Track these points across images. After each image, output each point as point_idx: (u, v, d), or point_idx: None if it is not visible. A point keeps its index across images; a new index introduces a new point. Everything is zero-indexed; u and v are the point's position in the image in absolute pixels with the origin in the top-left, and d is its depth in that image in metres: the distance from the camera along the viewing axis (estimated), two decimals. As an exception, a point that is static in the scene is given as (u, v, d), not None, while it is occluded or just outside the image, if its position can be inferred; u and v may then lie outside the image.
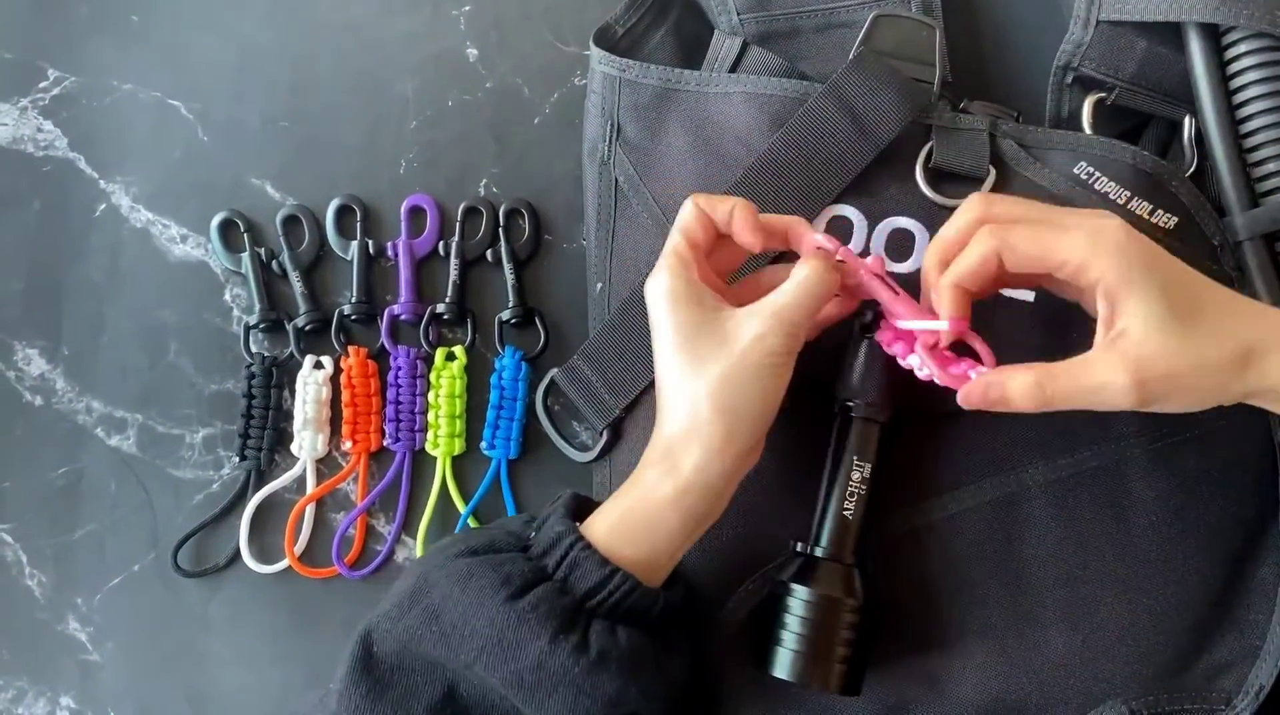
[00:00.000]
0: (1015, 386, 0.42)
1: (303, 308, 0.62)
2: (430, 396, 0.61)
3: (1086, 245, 0.41)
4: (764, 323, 0.44)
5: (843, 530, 0.48)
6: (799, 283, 0.45)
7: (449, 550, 0.45)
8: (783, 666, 0.46)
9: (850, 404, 0.49)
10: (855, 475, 0.48)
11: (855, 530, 0.48)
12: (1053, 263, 0.41)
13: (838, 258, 0.46)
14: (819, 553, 0.48)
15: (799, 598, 0.47)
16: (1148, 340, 0.40)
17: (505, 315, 0.61)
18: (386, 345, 0.62)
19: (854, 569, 0.48)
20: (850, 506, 0.48)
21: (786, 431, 0.51)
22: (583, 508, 0.47)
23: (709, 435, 0.44)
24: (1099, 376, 0.41)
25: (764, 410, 0.45)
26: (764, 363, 0.44)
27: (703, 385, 0.44)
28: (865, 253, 0.52)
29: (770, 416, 0.45)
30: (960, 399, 0.44)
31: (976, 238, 0.43)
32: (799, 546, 0.49)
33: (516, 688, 0.42)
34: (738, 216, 0.46)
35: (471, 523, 0.60)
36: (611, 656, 0.42)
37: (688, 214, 0.47)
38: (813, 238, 0.47)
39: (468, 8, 0.65)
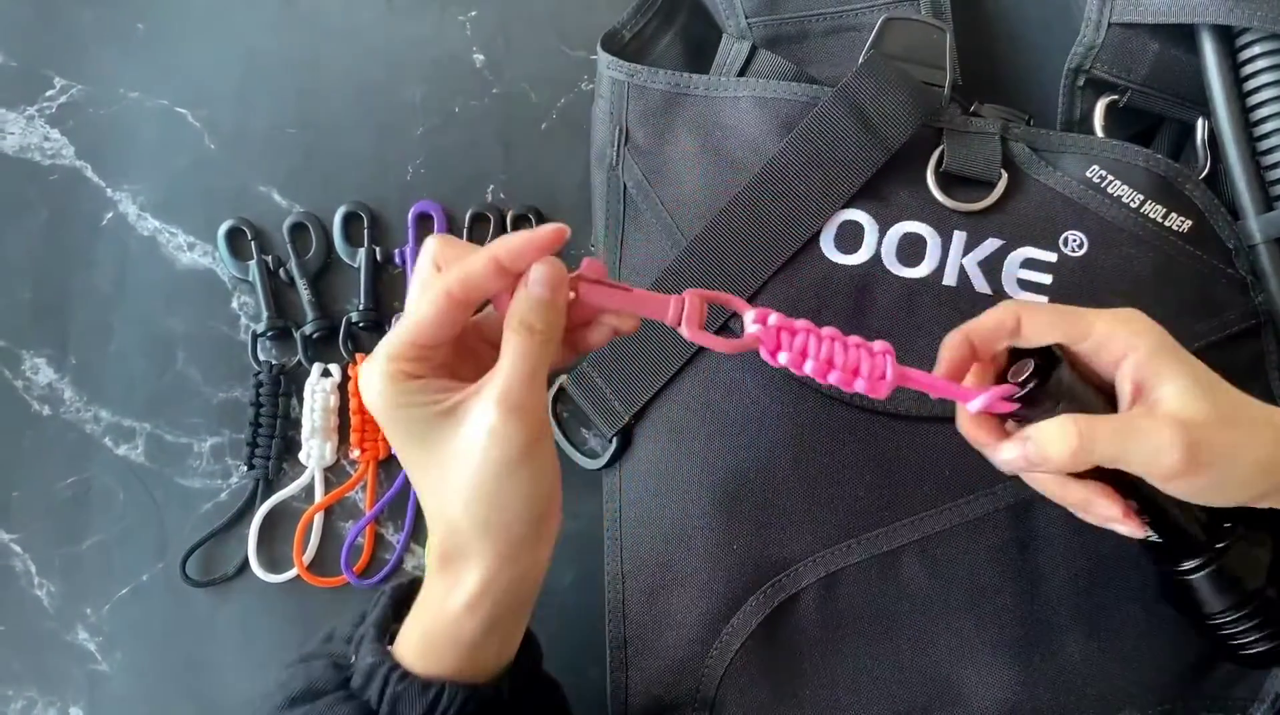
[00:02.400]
0: (1051, 438, 0.38)
1: (310, 315, 0.62)
2: (439, 404, 0.61)
3: (1114, 318, 0.40)
4: (494, 413, 0.38)
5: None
6: (515, 356, 0.39)
7: (271, 702, 0.42)
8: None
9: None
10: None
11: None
12: (1075, 331, 0.40)
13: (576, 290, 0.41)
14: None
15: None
16: (1188, 407, 0.38)
17: (513, 322, 0.61)
18: (394, 353, 0.62)
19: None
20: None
21: (790, 436, 0.51)
22: (403, 605, 0.43)
23: (480, 551, 0.39)
24: (1146, 431, 0.38)
25: (534, 508, 0.39)
26: (510, 458, 0.38)
27: (455, 499, 0.39)
28: (877, 255, 0.51)
29: (547, 505, 0.40)
30: (1004, 466, 0.41)
31: (999, 306, 0.42)
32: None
33: None
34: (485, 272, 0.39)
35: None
36: None
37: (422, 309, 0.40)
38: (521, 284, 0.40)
39: (474, 13, 0.65)
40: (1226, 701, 0.50)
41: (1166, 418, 0.38)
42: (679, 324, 0.41)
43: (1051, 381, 0.40)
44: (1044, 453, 0.39)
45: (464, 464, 0.39)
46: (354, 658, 0.42)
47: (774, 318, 0.41)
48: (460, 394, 0.39)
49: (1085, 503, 0.42)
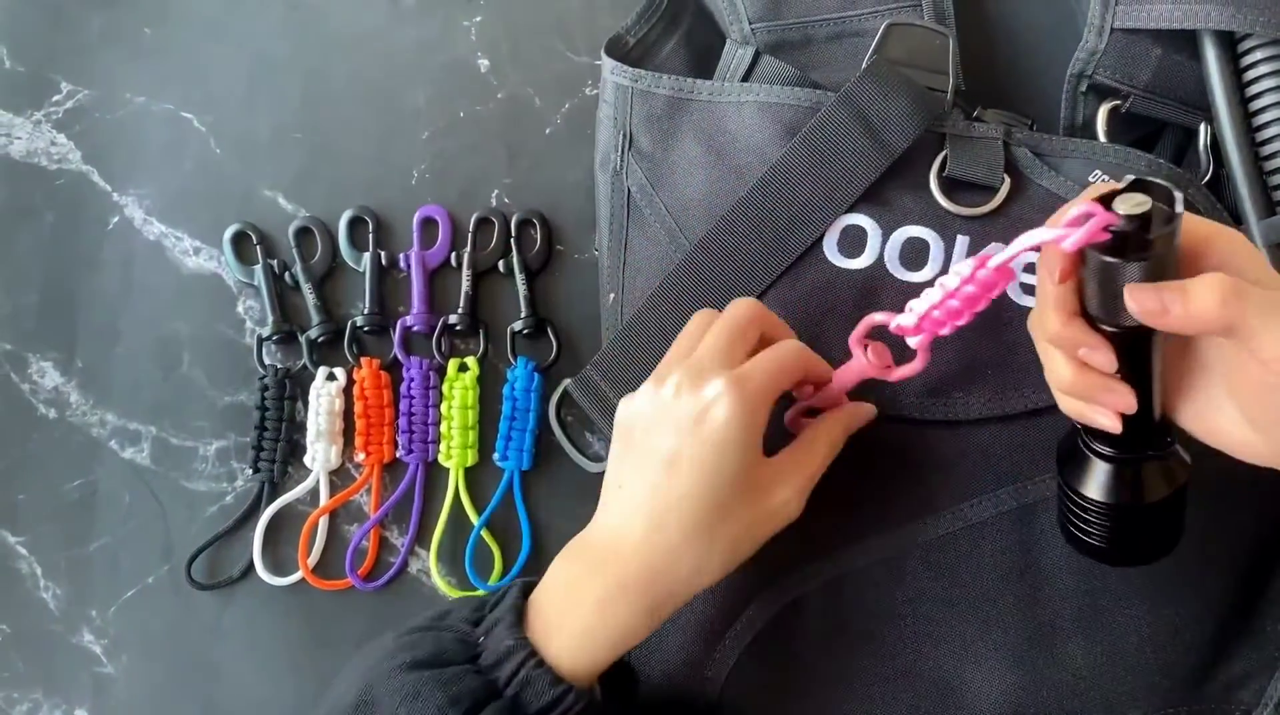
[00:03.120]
0: (1202, 290, 0.35)
1: (315, 319, 0.62)
2: (443, 408, 0.61)
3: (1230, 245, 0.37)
4: (794, 489, 0.45)
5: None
6: (824, 457, 0.46)
7: (395, 660, 0.43)
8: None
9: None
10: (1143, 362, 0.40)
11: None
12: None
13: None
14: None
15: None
16: None
17: (517, 326, 0.61)
18: (399, 356, 0.62)
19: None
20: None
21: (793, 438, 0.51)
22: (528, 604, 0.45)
23: (705, 574, 0.43)
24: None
25: (743, 560, 0.45)
26: (780, 525, 0.45)
27: (723, 535, 0.43)
28: (880, 259, 0.52)
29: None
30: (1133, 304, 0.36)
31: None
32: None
33: None
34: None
35: (484, 535, 0.60)
36: None
37: (792, 357, 0.46)
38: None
39: (479, 18, 0.65)
40: (1230, 705, 0.50)
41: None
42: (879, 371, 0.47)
43: (1159, 233, 0.35)
44: (1189, 299, 0.35)
45: (750, 516, 0.44)
46: (483, 638, 0.43)
47: (910, 319, 0.45)
48: (766, 457, 0.45)
49: (1083, 351, 0.39)
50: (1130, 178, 0.37)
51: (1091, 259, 0.36)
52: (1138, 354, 0.39)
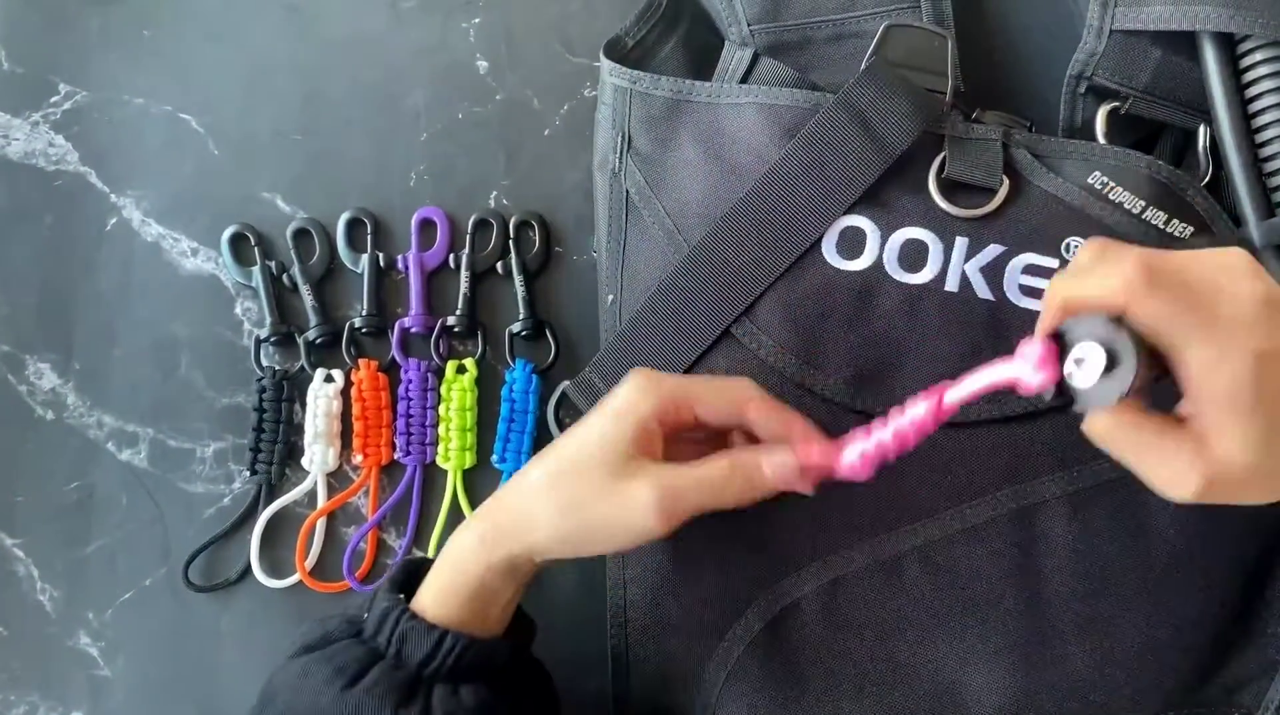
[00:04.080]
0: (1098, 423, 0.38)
1: (313, 321, 0.62)
2: (441, 409, 0.61)
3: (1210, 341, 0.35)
4: (651, 491, 0.42)
5: None
6: (708, 477, 0.43)
7: (292, 650, 0.46)
8: None
9: None
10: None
11: None
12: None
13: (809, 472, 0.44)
14: None
15: None
16: (1235, 462, 0.35)
17: (516, 328, 0.61)
18: (397, 358, 0.62)
19: None
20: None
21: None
22: (416, 574, 0.48)
23: (534, 529, 0.44)
24: (1170, 453, 0.36)
25: (608, 551, 0.46)
26: (634, 534, 0.43)
27: (562, 495, 0.44)
28: (879, 261, 0.51)
29: (602, 551, 0.46)
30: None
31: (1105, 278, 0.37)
32: None
33: None
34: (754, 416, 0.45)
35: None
36: None
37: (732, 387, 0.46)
38: (803, 455, 0.44)
39: (477, 20, 0.65)
40: (1230, 708, 0.50)
41: (1198, 457, 0.35)
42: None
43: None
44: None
45: (605, 509, 0.43)
46: (366, 613, 0.46)
47: (855, 457, 0.44)
48: (654, 461, 0.44)
49: None
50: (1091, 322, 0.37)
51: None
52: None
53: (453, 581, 0.45)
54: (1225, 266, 0.36)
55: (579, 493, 0.44)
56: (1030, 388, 0.38)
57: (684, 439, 0.47)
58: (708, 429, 0.47)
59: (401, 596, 0.46)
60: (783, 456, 0.44)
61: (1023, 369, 0.38)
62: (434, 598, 0.45)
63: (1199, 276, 0.35)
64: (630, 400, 0.44)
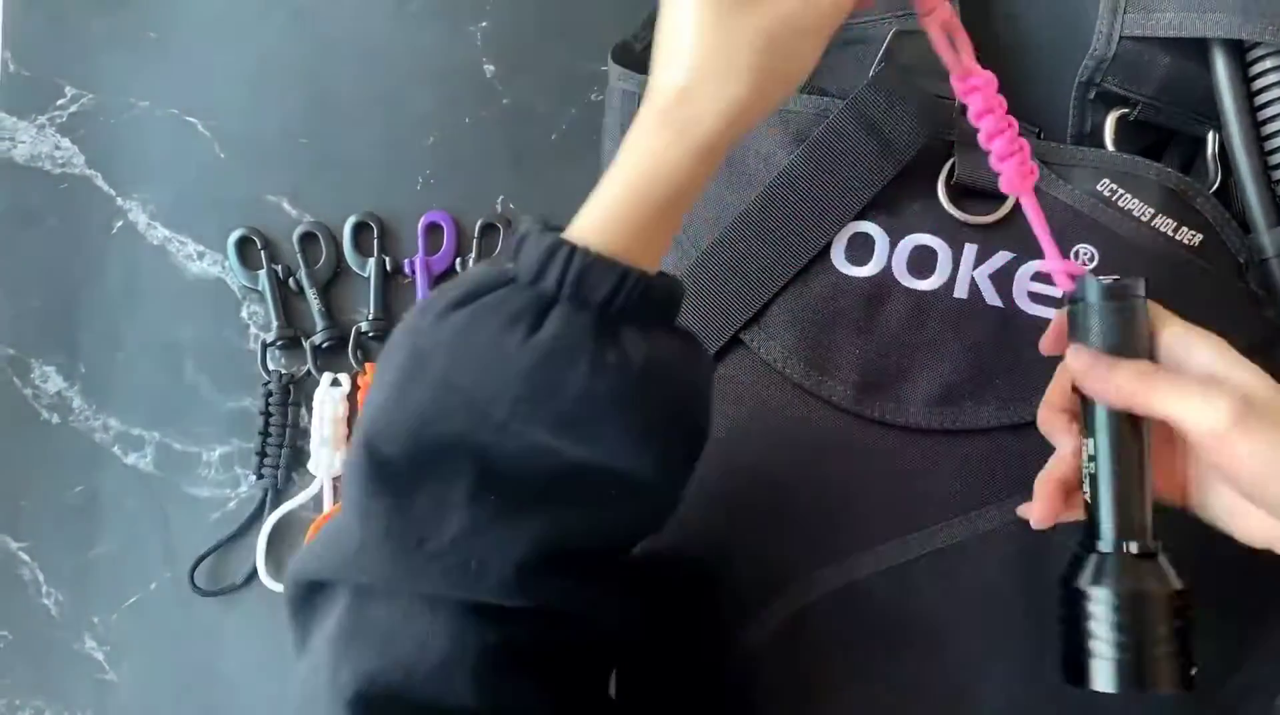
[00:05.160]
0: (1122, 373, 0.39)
1: (320, 325, 0.62)
2: (448, 414, 0.61)
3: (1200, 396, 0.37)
4: None
5: (1131, 511, 0.42)
6: None
7: (430, 312, 0.38)
8: (1104, 678, 0.42)
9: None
10: (1128, 444, 0.41)
11: (1147, 507, 0.41)
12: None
13: None
14: (1106, 548, 0.42)
15: (1105, 603, 0.41)
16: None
17: (523, 332, 0.61)
18: (404, 362, 0.62)
19: (1158, 554, 0.42)
20: (1130, 481, 0.41)
21: (803, 448, 0.51)
22: (550, 227, 0.40)
23: (741, 89, 0.38)
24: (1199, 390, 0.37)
25: (796, 80, 0.39)
26: (811, 27, 0.38)
27: (748, 30, 0.37)
28: (888, 267, 0.51)
29: (793, 91, 0.41)
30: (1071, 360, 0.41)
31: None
32: (1083, 545, 0.43)
33: (562, 429, 0.36)
34: None
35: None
36: (658, 360, 0.37)
37: None
38: None
39: (485, 24, 0.65)
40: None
41: (1228, 396, 0.36)
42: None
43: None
44: (1115, 371, 0.39)
45: (773, 8, 0.37)
46: (512, 262, 0.38)
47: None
48: None
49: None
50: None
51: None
52: (1124, 433, 0.41)
53: (636, 192, 0.38)
54: None
55: (760, 19, 0.37)
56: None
57: None
58: None
59: (562, 237, 0.38)
60: None
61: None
62: (606, 223, 0.38)
63: None
64: None
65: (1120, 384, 0.39)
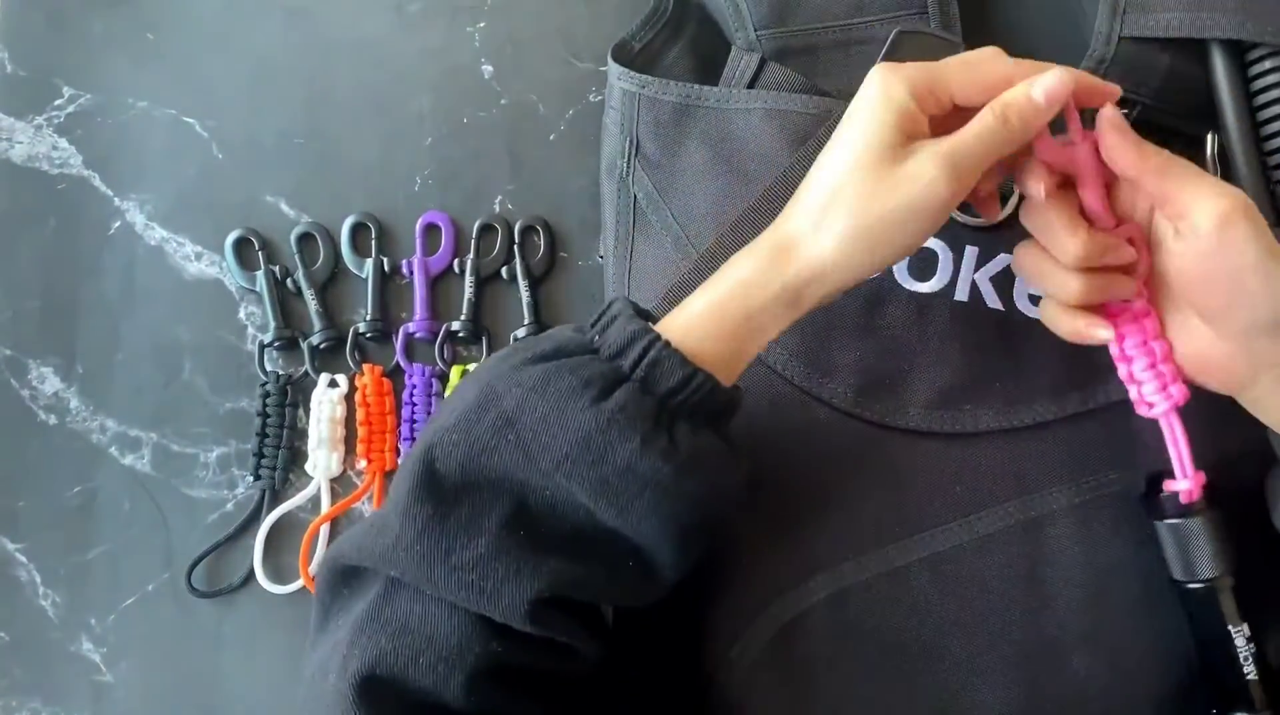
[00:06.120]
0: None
1: (317, 326, 0.62)
2: (446, 415, 0.61)
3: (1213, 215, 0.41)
4: (939, 167, 0.41)
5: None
6: (977, 131, 0.42)
7: (511, 360, 0.42)
8: None
9: (1200, 586, 0.46)
10: (1240, 641, 0.45)
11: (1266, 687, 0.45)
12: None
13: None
14: None
15: None
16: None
17: (521, 332, 0.61)
18: (401, 363, 0.62)
19: None
20: (1251, 670, 0.45)
21: (801, 451, 0.51)
22: (639, 313, 0.44)
23: (862, 267, 0.42)
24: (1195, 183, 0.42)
25: (905, 253, 0.43)
26: (929, 210, 0.41)
27: (880, 212, 0.41)
28: (889, 269, 0.51)
29: (903, 258, 0.46)
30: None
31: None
32: None
33: (599, 492, 0.40)
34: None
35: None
36: (700, 459, 0.41)
37: (978, 56, 0.44)
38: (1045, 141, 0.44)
39: (482, 24, 0.65)
40: (1234, 716, 0.50)
41: (1219, 194, 0.41)
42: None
43: None
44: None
45: (898, 194, 0.41)
46: (599, 336, 0.43)
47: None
48: (921, 139, 0.42)
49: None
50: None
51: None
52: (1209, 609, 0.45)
53: (722, 309, 0.42)
54: None
55: (862, 193, 0.41)
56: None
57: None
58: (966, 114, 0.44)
59: (649, 325, 0.42)
60: (1045, 77, 0.42)
61: None
62: (690, 327, 0.42)
63: None
64: (879, 88, 0.42)
65: (1149, 158, 0.42)
